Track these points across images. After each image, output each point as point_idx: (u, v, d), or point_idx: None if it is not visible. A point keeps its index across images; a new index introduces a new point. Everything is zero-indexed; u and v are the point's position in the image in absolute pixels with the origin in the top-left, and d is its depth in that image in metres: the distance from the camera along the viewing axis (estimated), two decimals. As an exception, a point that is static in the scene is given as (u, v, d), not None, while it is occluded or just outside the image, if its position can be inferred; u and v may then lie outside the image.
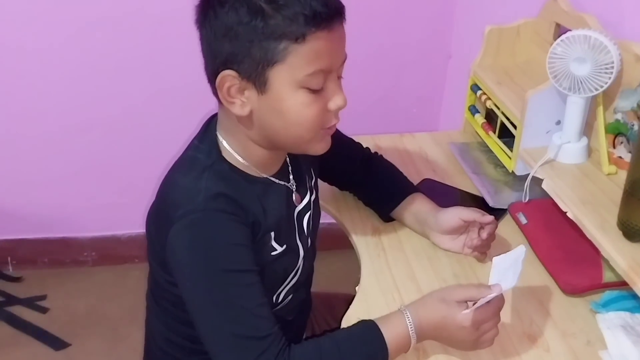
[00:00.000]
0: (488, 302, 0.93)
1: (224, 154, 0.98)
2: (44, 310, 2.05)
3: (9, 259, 2.18)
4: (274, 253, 1.01)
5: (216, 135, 1.00)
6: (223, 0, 0.88)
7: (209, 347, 0.92)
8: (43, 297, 2.09)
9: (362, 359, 0.92)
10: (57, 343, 1.94)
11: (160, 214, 0.99)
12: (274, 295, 1.06)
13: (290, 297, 1.10)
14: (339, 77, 0.96)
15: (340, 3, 0.92)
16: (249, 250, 0.93)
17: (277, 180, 1.03)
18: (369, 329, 0.94)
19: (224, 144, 0.99)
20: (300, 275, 1.10)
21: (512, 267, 0.95)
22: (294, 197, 1.07)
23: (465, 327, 0.92)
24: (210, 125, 1.02)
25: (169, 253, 0.94)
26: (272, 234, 1.01)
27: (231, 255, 0.91)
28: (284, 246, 1.03)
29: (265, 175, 1.01)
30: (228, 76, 0.91)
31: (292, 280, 1.08)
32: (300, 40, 0.87)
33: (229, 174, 0.97)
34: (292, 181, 1.07)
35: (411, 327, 0.94)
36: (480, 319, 0.93)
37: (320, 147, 0.98)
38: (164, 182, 1.01)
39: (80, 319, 2.03)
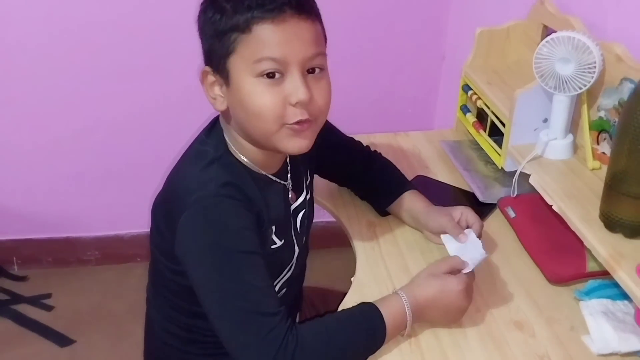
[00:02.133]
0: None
1: (230, 149, 1.04)
2: (48, 308, 2.09)
3: (14, 258, 2.22)
4: (273, 246, 1.06)
5: (222, 132, 1.05)
6: (203, 2, 0.98)
7: (219, 327, 0.95)
8: (48, 296, 2.13)
9: (363, 334, 0.98)
10: (62, 340, 1.98)
11: (170, 203, 1.03)
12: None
13: (284, 290, 1.15)
14: (310, 73, 0.97)
15: None
16: (256, 235, 0.98)
17: (276, 179, 1.08)
18: (368, 308, 1.00)
19: (227, 141, 1.04)
20: (293, 270, 1.15)
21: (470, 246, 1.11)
22: (289, 196, 1.12)
23: (461, 291, 1.01)
24: (217, 122, 1.07)
25: (180, 238, 0.97)
26: (274, 227, 1.06)
27: (241, 237, 0.96)
28: (283, 241, 1.08)
29: (265, 173, 1.06)
30: (205, 72, 0.99)
31: (286, 275, 1.13)
32: (246, 30, 0.93)
33: (235, 167, 1.02)
34: (289, 180, 1.12)
35: (407, 305, 1.00)
36: (469, 283, 1.03)
37: (291, 145, 0.99)
38: (174, 173, 1.05)
39: (84, 316, 2.07)
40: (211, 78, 1.00)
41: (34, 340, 1.98)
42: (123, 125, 2.06)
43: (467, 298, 1.02)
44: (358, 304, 1.02)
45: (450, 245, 1.14)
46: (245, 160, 1.04)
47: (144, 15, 1.91)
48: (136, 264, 2.25)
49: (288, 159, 1.12)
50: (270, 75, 0.94)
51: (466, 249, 1.11)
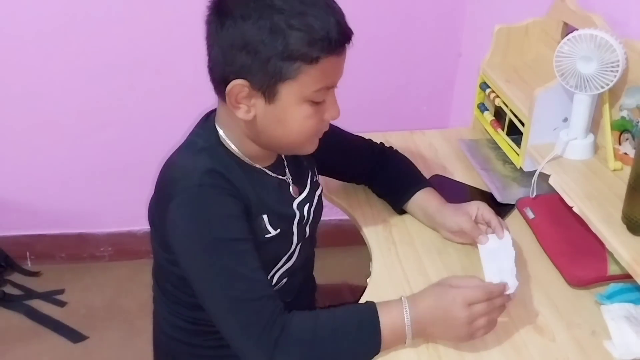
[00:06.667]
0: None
1: (221, 140, 1.05)
2: (61, 304, 2.10)
3: (27, 254, 2.23)
4: (267, 235, 1.07)
5: (215, 125, 1.06)
6: (246, 14, 0.92)
7: (210, 313, 0.98)
8: (61, 291, 2.14)
9: (354, 333, 0.96)
10: (75, 336, 1.98)
11: (160, 193, 1.05)
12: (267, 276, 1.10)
13: (285, 280, 1.15)
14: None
15: (351, 30, 0.98)
16: (242, 221, 1.00)
17: (270, 172, 1.09)
18: (366, 308, 0.99)
19: (221, 133, 1.05)
20: (295, 260, 1.15)
21: (502, 250, 1.08)
22: (291, 190, 1.13)
23: (457, 303, 0.96)
24: (210, 117, 1.09)
25: (169, 228, 0.99)
26: (265, 217, 1.06)
27: (225, 225, 0.98)
28: (278, 230, 1.08)
29: (258, 166, 1.07)
30: (239, 85, 0.96)
31: (285, 264, 1.13)
32: (313, 62, 0.94)
33: (224, 157, 1.04)
34: (287, 175, 1.13)
35: (407, 313, 0.97)
36: (471, 298, 0.96)
37: (308, 148, 1.07)
38: (164, 165, 1.07)
39: (97, 312, 2.08)
40: (245, 91, 0.97)
41: (47, 336, 1.98)
42: (136, 122, 2.05)
43: (464, 309, 0.95)
44: (360, 305, 1.00)
45: (483, 251, 1.13)
46: (238, 152, 1.05)
47: (160, 11, 1.90)
48: (149, 260, 2.15)
49: (283, 155, 1.13)
50: (319, 101, 0.99)
51: (497, 255, 1.09)
